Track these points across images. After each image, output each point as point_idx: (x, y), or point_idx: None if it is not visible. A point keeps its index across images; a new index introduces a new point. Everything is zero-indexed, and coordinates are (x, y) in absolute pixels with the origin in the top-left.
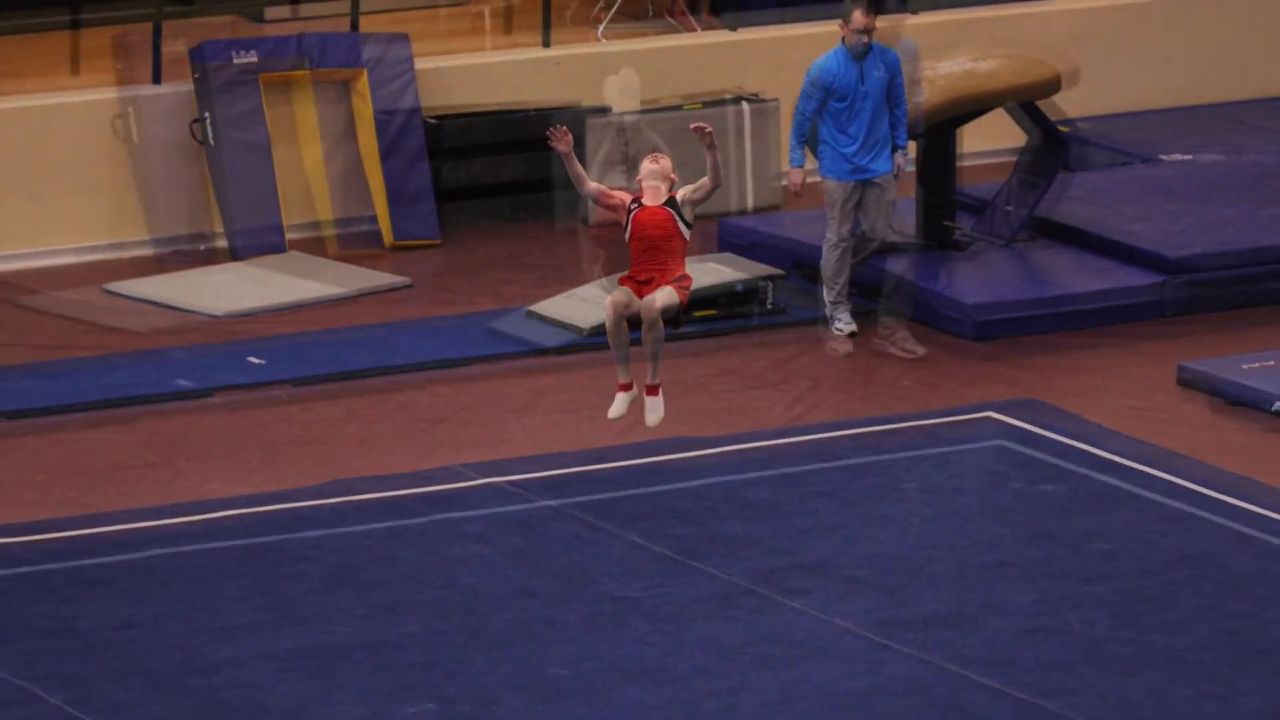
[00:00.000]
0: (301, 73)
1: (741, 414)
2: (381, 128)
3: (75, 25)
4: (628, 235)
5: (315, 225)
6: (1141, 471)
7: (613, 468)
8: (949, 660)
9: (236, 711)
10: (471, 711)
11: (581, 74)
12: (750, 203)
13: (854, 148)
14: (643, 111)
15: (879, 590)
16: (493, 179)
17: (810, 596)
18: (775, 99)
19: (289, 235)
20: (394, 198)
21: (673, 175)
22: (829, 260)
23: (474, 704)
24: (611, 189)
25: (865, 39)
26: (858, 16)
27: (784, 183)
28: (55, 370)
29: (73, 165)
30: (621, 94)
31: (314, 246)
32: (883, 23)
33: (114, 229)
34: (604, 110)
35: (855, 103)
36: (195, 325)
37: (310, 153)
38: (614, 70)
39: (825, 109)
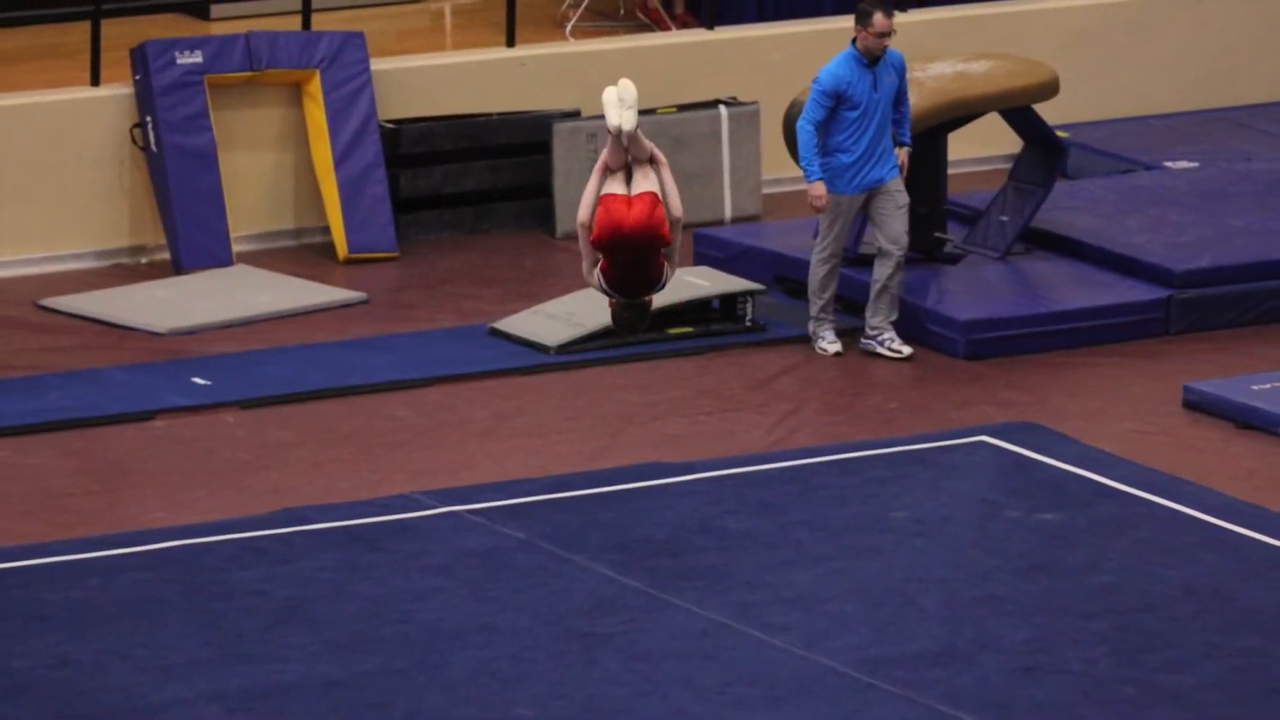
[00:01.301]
0: (250, 74)
1: (719, 438)
2: (335, 133)
3: (3, 23)
4: (611, 248)
5: (264, 237)
6: (1144, 499)
7: (582, 495)
8: (940, 700)
9: None
10: None
11: (549, 76)
12: (728, 213)
13: (857, 158)
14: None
15: (866, 626)
16: (454, 188)
17: (792, 633)
18: (755, 102)
19: (236, 248)
20: (348, 208)
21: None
22: (816, 273)
23: None
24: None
25: (885, 43)
26: (879, 19)
27: (809, 200)
28: None
29: (1, 172)
30: (620, 104)
31: (263, 259)
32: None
33: (47, 240)
34: (573, 115)
35: (868, 111)
36: (136, 343)
37: (259, 159)
38: (583, 71)
39: (833, 118)
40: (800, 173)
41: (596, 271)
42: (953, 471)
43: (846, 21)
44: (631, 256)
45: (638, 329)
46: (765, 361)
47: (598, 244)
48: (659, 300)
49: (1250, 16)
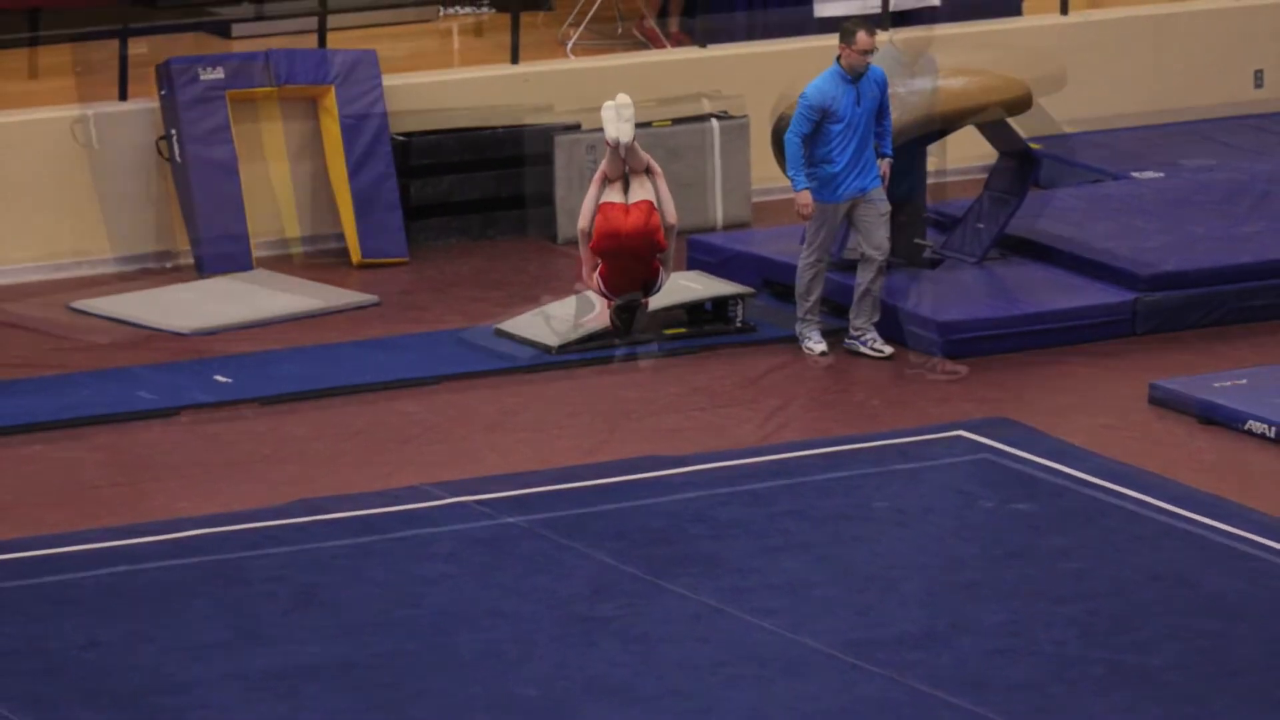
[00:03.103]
0: (269, 89)
1: (711, 432)
2: (349, 144)
3: (35, 41)
4: (609, 253)
5: (283, 243)
6: (1112, 490)
7: (582, 486)
8: (920, 680)
9: None
10: None
11: (551, 91)
12: (719, 220)
13: (841, 169)
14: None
15: (850, 610)
16: (461, 196)
17: (781, 616)
18: (745, 116)
19: (256, 253)
20: (362, 215)
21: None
22: (803, 277)
23: None
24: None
25: (869, 60)
26: (863, 38)
27: (796, 208)
28: (19, 389)
29: (35, 181)
30: (618, 118)
31: (281, 264)
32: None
33: (78, 245)
34: (573, 128)
35: (852, 124)
36: (161, 343)
37: (278, 169)
38: (583, 87)
39: (819, 131)
40: (788, 182)
41: (596, 275)
42: (932, 464)
43: (829, 40)
44: (628, 260)
45: (634, 330)
46: (755, 361)
47: (597, 249)
48: (654, 302)
49: (1211, 35)
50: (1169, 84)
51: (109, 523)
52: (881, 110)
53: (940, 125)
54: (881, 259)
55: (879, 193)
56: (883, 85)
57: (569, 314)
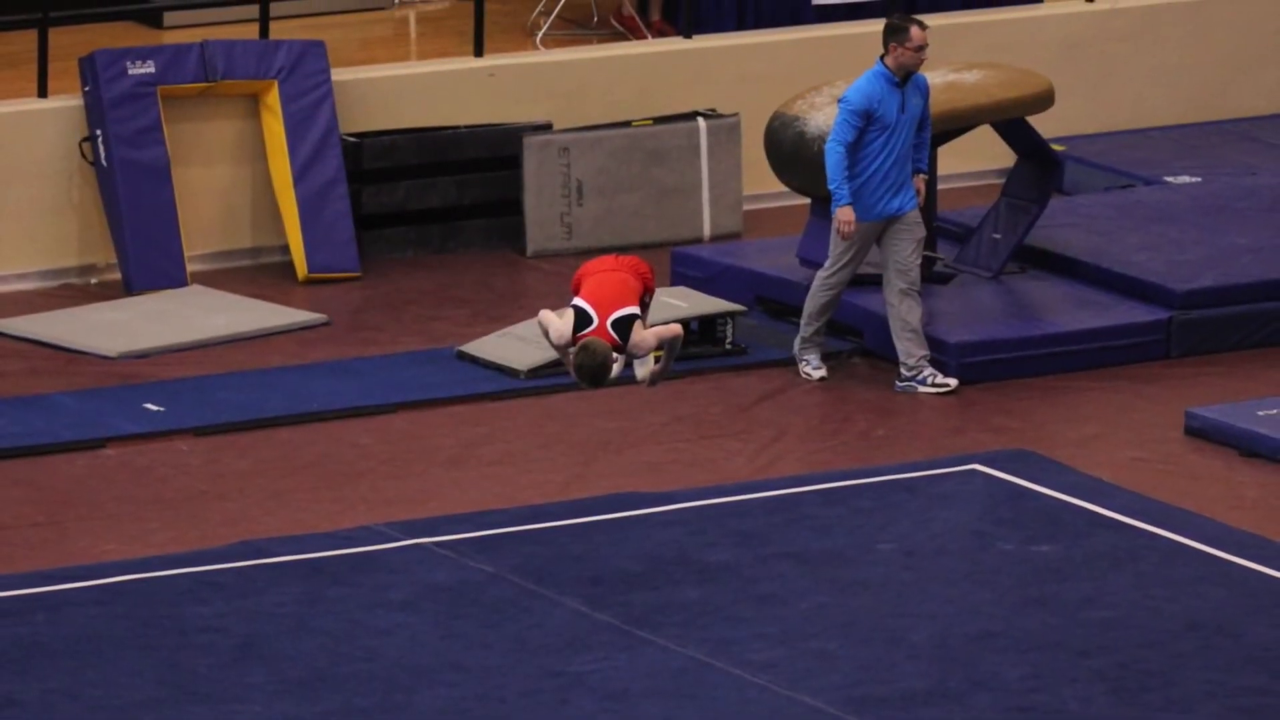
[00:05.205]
0: (205, 85)
1: (697, 466)
2: (294, 146)
3: None
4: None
5: (220, 256)
6: (1144, 530)
7: (553, 527)
8: None
9: None
10: None
11: (519, 86)
12: (707, 230)
13: (877, 184)
14: (586, 129)
15: (852, 664)
16: (419, 204)
17: (775, 671)
18: (735, 114)
19: (190, 267)
20: (308, 225)
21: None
22: (817, 298)
23: None
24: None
25: (924, 57)
26: (916, 33)
27: (834, 226)
28: None
29: None
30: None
31: (219, 279)
32: None
33: None
34: (544, 127)
35: (896, 132)
36: (85, 367)
37: (215, 174)
38: (554, 82)
39: (857, 139)
40: (782, 188)
41: (566, 327)
42: (943, 501)
43: (827, 31)
44: (610, 275)
45: (598, 384)
46: (746, 386)
47: (581, 276)
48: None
49: (1255, 23)
50: (1207, 78)
51: (26, 567)
52: (922, 120)
53: (953, 124)
54: (913, 289)
55: (916, 215)
56: (925, 92)
57: (539, 334)
